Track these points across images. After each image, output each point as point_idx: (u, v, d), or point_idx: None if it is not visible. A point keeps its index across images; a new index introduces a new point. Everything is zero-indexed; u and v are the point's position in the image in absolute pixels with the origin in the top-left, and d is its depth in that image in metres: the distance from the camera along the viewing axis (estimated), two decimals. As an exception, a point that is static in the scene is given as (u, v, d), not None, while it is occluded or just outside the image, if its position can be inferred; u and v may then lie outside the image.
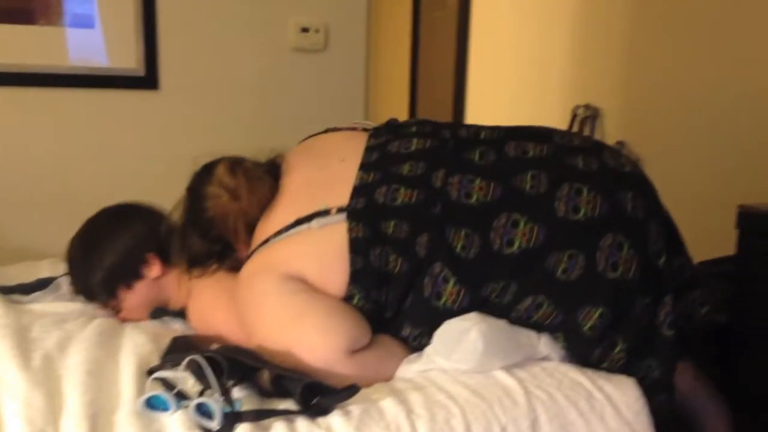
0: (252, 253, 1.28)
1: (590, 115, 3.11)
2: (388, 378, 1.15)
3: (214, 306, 1.35)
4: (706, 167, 2.46)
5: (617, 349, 1.14)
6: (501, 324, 1.11)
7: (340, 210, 1.20)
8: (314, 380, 1.03)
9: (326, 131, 1.48)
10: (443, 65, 4.45)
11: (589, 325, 1.13)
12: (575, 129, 3.11)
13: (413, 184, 1.21)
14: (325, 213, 1.21)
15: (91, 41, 2.28)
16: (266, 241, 1.25)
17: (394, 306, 1.19)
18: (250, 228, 1.32)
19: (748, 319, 1.61)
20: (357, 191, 1.22)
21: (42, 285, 1.54)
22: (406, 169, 1.24)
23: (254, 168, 1.35)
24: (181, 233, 1.37)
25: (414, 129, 1.35)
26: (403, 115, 5.17)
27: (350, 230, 1.18)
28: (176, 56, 2.39)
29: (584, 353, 1.16)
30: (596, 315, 1.12)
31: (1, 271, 1.70)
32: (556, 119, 3.23)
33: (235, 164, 1.34)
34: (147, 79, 2.37)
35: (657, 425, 1.07)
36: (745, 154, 2.35)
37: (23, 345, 1.17)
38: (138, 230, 1.47)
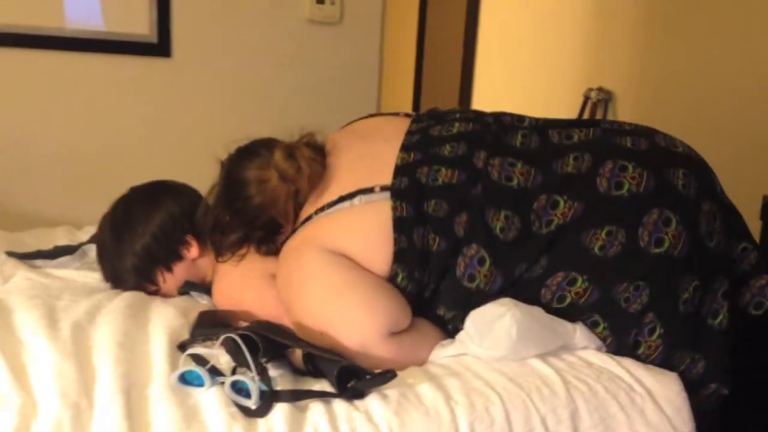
0: (295, 229, 1.26)
1: (603, 98, 3.08)
2: (421, 362, 1.15)
3: (242, 285, 1.33)
4: (727, 156, 2.42)
5: (655, 334, 1.11)
6: (536, 311, 1.10)
7: (383, 188, 1.20)
8: (350, 362, 1.02)
9: (370, 116, 1.47)
10: (451, 46, 4.40)
11: (624, 297, 1.11)
12: (587, 113, 3.08)
13: (454, 164, 1.21)
14: (368, 191, 1.21)
15: (104, 6, 2.23)
16: (309, 217, 1.25)
17: (432, 286, 1.19)
18: (300, 208, 1.29)
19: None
20: (399, 170, 1.22)
21: (68, 251, 1.51)
22: (447, 150, 1.24)
23: (309, 150, 1.31)
24: (220, 223, 1.32)
25: (457, 115, 1.34)
26: (407, 98, 5.11)
27: (394, 209, 1.17)
28: (189, 24, 2.35)
29: (621, 335, 1.12)
30: (632, 288, 1.10)
31: (16, 237, 1.68)
32: (568, 102, 3.20)
33: (292, 149, 1.29)
34: (159, 46, 2.33)
35: (699, 423, 1.07)
36: (769, 143, 2.33)
37: (52, 315, 1.16)
38: (174, 209, 1.41)
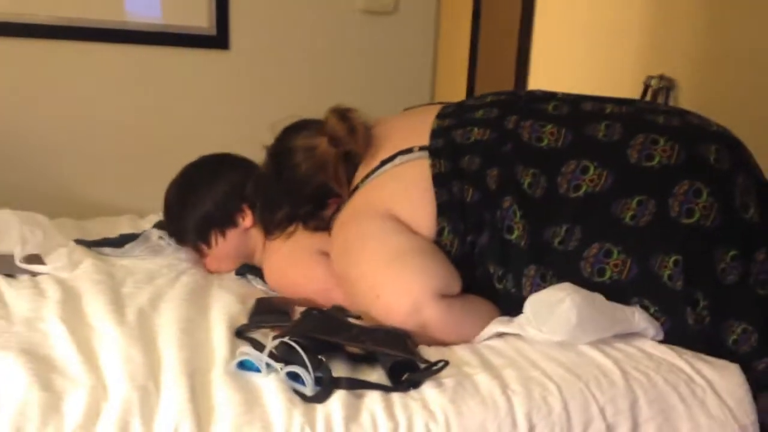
0: (343, 202, 1.31)
1: (664, 86, 3.00)
2: (472, 336, 1.16)
3: (290, 261, 1.38)
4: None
5: (699, 305, 1.09)
6: (596, 296, 1.09)
7: (421, 148, 1.26)
8: (403, 356, 1.03)
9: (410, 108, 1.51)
10: (506, 35, 4.33)
11: (666, 274, 1.09)
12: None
13: (486, 124, 1.26)
14: (407, 151, 1.27)
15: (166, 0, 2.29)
16: (356, 188, 1.30)
17: (469, 239, 1.21)
18: (352, 174, 1.34)
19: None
20: (435, 133, 1.27)
21: (132, 238, 1.58)
22: (479, 114, 1.29)
23: (358, 114, 1.38)
24: (268, 196, 1.39)
25: (490, 94, 1.39)
26: (462, 87, 5.06)
27: (433, 166, 1.23)
28: (247, 16, 2.39)
29: (672, 315, 1.11)
30: (671, 263, 1.09)
31: (83, 225, 1.74)
32: (627, 91, 3.12)
33: (345, 112, 1.36)
34: (218, 39, 2.38)
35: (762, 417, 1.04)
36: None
37: (117, 301, 1.20)
38: (235, 179, 1.50)
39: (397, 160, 1.26)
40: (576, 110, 1.25)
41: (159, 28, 2.31)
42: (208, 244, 1.49)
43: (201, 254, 1.50)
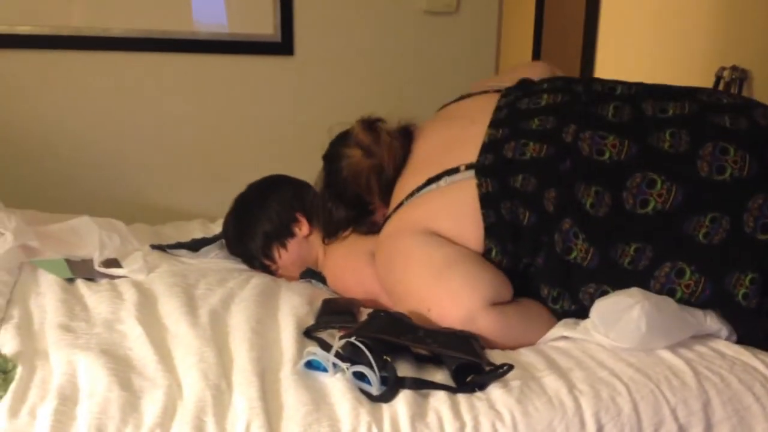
0: (389, 216, 1.32)
1: (737, 77, 2.89)
2: (533, 340, 1.15)
3: (344, 264, 1.43)
4: None
5: None
6: (666, 302, 1.07)
7: (468, 167, 1.23)
8: (467, 358, 1.03)
9: (460, 98, 1.49)
10: (570, 33, 4.26)
11: (741, 293, 1.06)
12: (719, 93, 2.91)
13: (542, 138, 1.20)
14: (454, 171, 1.24)
15: (229, 8, 2.34)
16: (400, 204, 1.29)
17: (526, 260, 1.19)
18: (386, 186, 1.36)
19: None
20: (485, 148, 1.23)
21: (207, 242, 1.64)
22: (535, 123, 1.23)
23: (388, 127, 1.40)
24: (322, 200, 1.44)
25: (545, 86, 1.33)
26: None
27: (479, 186, 1.20)
28: (311, 22, 2.42)
29: (747, 330, 1.09)
30: (747, 281, 1.05)
31: (157, 230, 1.81)
32: (699, 81, 3.03)
33: (370, 123, 1.39)
34: (283, 45, 2.42)
35: None
36: None
37: (191, 303, 1.25)
38: (284, 195, 1.56)
39: (443, 182, 1.24)
40: (637, 114, 1.19)
41: (225, 36, 2.37)
42: (273, 260, 1.54)
43: (271, 272, 1.54)
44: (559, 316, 1.19)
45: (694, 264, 1.08)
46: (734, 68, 2.89)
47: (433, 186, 1.25)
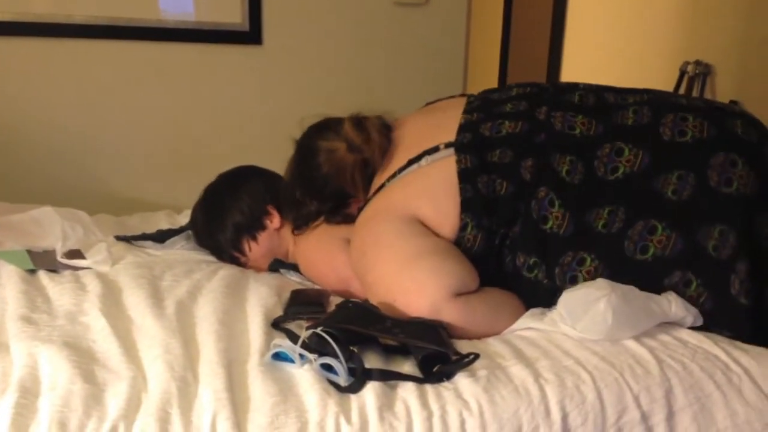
0: (369, 199, 1.33)
1: (701, 72, 2.94)
2: (500, 330, 1.17)
3: (316, 249, 1.42)
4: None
5: (743, 273, 1.10)
6: (632, 292, 1.08)
7: (447, 145, 1.26)
8: (436, 349, 1.03)
9: (435, 101, 1.52)
10: (538, 24, 4.28)
11: (711, 245, 1.11)
12: (683, 88, 2.95)
13: (517, 117, 1.27)
14: (433, 150, 1.27)
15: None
16: (382, 186, 1.31)
17: (501, 232, 1.22)
18: (370, 180, 1.37)
19: None
20: (462, 128, 1.28)
21: (173, 234, 1.62)
22: (508, 107, 1.30)
23: (375, 123, 1.40)
24: (293, 194, 1.43)
25: (513, 85, 1.40)
26: (493, 78, 5.02)
27: (458, 162, 1.23)
28: (279, 11, 2.41)
29: (715, 287, 1.12)
30: (716, 233, 1.11)
31: (122, 221, 1.78)
32: (663, 76, 3.08)
33: (361, 119, 1.39)
34: (251, 34, 2.40)
35: None
36: None
37: (156, 294, 1.23)
38: (256, 187, 1.55)
39: (423, 161, 1.27)
40: (601, 101, 1.28)
41: (192, 25, 2.34)
42: (242, 252, 1.53)
43: (240, 264, 1.53)
44: (531, 286, 1.21)
45: (665, 220, 1.13)
46: (698, 63, 2.94)
47: (414, 166, 1.28)
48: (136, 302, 1.20)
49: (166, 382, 0.96)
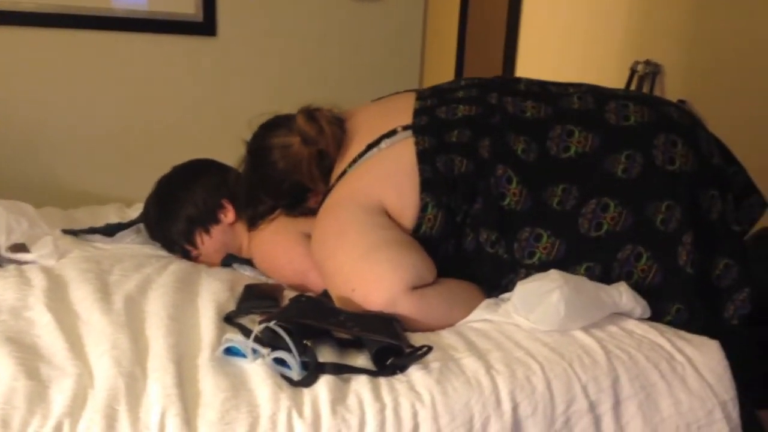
0: (331, 188, 1.33)
1: (650, 71, 3.00)
2: (454, 322, 1.18)
3: (272, 242, 1.41)
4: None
5: (689, 244, 1.16)
6: (583, 284, 1.11)
7: (405, 128, 1.28)
8: (388, 341, 1.03)
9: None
10: (495, 21, 4.33)
11: (660, 218, 1.17)
12: (633, 86, 3.02)
13: (470, 102, 1.30)
14: (391, 133, 1.29)
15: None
16: (343, 173, 1.31)
17: (462, 209, 1.24)
18: (328, 171, 1.36)
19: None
20: (418, 112, 1.31)
21: (122, 228, 1.59)
22: (460, 94, 1.33)
23: (326, 114, 1.40)
24: (249, 192, 1.43)
25: (462, 79, 1.44)
26: (450, 73, 5.05)
27: (417, 143, 1.25)
28: (234, 3, 2.38)
29: (664, 260, 1.17)
30: (663, 208, 1.17)
31: (69, 214, 1.74)
32: (614, 75, 3.13)
33: (312, 111, 1.38)
34: (205, 25, 2.37)
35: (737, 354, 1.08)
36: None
37: (104, 289, 1.21)
38: (211, 180, 1.53)
39: (383, 144, 1.28)
40: (545, 89, 1.33)
41: (145, 14, 2.29)
42: (194, 245, 1.51)
43: (192, 258, 1.51)
44: (493, 261, 1.23)
45: (616, 198, 1.18)
46: (648, 62, 3.01)
47: (374, 150, 1.29)
48: (82, 297, 1.17)
49: (113, 378, 0.94)
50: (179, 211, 1.50)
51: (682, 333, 1.11)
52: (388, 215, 1.25)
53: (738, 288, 1.18)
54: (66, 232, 1.54)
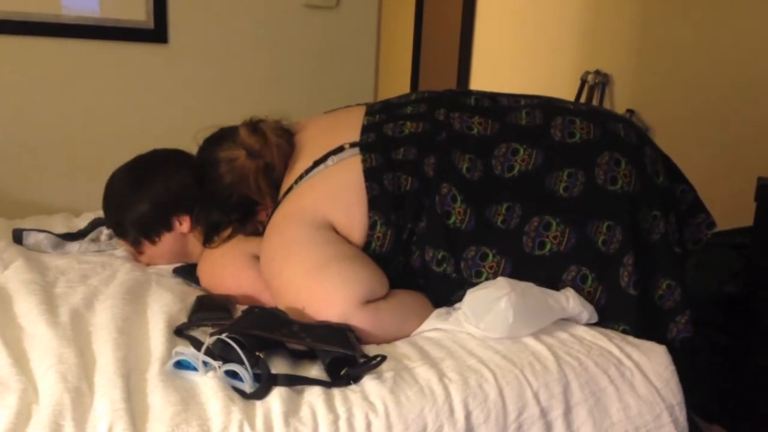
0: (279, 203, 1.31)
1: (600, 81, 3.08)
2: (408, 333, 1.18)
3: (221, 264, 1.37)
4: (724, 138, 2.42)
5: (630, 266, 1.17)
6: (531, 290, 1.12)
7: (352, 145, 1.28)
8: (341, 352, 1.03)
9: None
10: (449, 31, 4.38)
11: (601, 239, 1.18)
12: (583, 97, 3.08)
13: (417, 118, 1.31)
14: (339, 150, 1.29)
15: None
16: (290, 189, 1.30)
17: (408, 227, 1.24)
18: (276, 183, 1.35)
19: (759, 291, 1.63)
20: (366, 129, 1.31)
21: (73, 237, 1.54)
22: (408, 109, 1.34)
23: (271, 126, 1.38)
24: (200, 206, 1.40)
25: (412, 93, 1.45)
26: (405, 83, 5.08)
27: (364, 161, 1.25)
28: (186, 10, 2.35)
29: (608, 280, 1.18)
30: (604, 228, 1.18)
31: (15, 225, 1.69)
32: (566, 85, 3.20)
33: (254, 125, 1.37)
34: (156, 32, 2.33)
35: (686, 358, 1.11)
36: (766, 126, 2.33)
37: (50, 301, 1.17)
38: (187, 180, 1.44)
39: (329, 161, 1.28)
40: (495, 103, 1.34)
41: (96, 21, 2.25)
42: (151, 240, 1.45)
43: (138, 248, 1.46)
44: (440, 279, 1.23)
45: (558, 216, 1.19)
46: (597, 72, 3.09)
47: (321, 167, 1.28)
48: (27, 309, 1.14)
49: (59, 394, 0.91)
50: (140, 204, 1.43)
51: (631, 338, 1.13)
52: (336, 232, 1.24)
53: (680, 310, 1.20)
54: (17, 230, 1.51)
